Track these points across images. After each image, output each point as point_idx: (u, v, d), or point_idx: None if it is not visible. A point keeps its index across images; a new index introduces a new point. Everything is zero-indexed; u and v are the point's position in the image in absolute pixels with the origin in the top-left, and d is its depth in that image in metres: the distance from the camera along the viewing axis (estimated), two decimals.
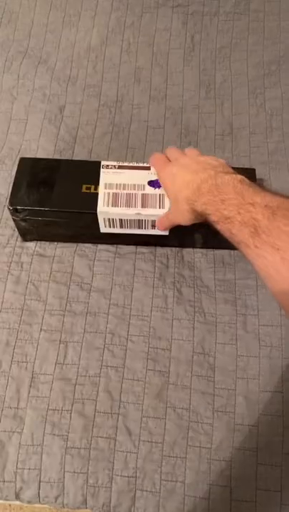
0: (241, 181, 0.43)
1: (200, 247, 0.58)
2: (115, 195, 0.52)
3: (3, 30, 0.76)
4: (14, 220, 0.55)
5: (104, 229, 0.54)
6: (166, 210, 0.51)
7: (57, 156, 0.64)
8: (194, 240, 0.57)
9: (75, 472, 0.47)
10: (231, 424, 0.48)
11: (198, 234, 0.56)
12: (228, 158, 0.64)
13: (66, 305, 0.54)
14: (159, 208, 0.51)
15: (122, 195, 0.52)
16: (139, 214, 0.51)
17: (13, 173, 0.55)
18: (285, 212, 0.36)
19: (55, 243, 0.58)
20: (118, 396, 0.49)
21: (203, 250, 0.57)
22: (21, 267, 0.56)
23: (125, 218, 0.52)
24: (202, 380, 0.50)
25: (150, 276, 0.56)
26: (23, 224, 0.55)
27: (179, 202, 0.47)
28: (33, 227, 0.55)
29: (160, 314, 0.53)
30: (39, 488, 0.47)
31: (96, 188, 0.52)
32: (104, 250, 0.57)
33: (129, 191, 0.52)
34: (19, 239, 0.58)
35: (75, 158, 0.65)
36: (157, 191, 0.52)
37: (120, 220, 0.52)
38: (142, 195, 0.52)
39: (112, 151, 0.66)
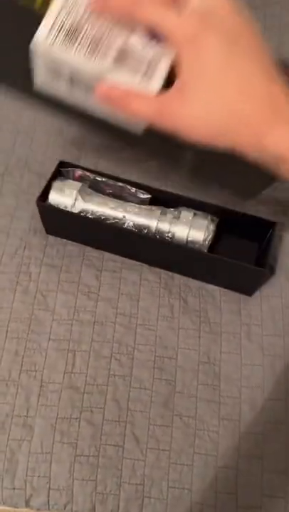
0: None
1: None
2: (76, 28, 0.29)
3: None
4: None
5: (40, 78, 0.32)
6: (152, 90, 0.29)
7: None
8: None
9: (83, 479, 0.47)
10: (237, 432, 0.49)
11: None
12: None
13: (74, 314, 0.55)
14: (142, 78, 0.29)
15: (89, 31, 0.29)
16: (100, 74, 0.29)
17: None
18: None
19: (63, 252, 0.59)
20: (126, 404, 0.50)
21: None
22: (30, 277, 0.57)
23: (79, 74, 0.30)
24: (208, 389, 0.51)
25: (156, 286, 0.57)
26: None
27: (225, 118, 0.28)
28: None
29: (166, 324, 0.54)
30: (48, 496, 0.47)
31: (45, 4, 0.29)
32: (110, 260, 0.58)
33: (105, 30, 0.29)
34: (27, 248, 0.59)
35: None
36: (153, 50, 0.29)
37: (70, 74, 0.30)
38: (122, 47, 0.29)
39: None
